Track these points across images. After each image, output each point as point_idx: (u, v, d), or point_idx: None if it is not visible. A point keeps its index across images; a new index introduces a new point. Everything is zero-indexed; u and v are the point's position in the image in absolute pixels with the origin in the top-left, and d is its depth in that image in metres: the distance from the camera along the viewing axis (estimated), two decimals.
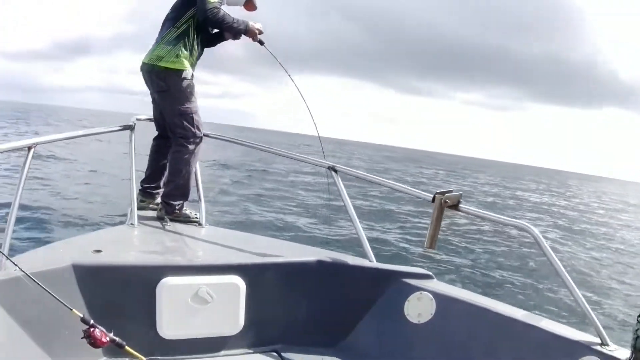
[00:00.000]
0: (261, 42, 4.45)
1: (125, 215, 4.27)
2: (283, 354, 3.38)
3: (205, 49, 4.56)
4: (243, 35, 4.44)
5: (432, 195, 3.16)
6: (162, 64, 4.18)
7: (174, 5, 4.33)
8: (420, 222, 16.55)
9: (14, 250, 3.16)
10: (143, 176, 4.63)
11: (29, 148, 3.23)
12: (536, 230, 2.99)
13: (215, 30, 4.56)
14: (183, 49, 4.21)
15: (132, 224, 4.03)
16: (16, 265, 2.59)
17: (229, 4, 4.36)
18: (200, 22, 4.26)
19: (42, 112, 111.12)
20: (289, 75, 4.53)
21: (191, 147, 4.29)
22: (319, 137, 4.53)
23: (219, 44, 4.67)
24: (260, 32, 4.42)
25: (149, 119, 4.55)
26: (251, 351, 3.39)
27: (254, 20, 4.42)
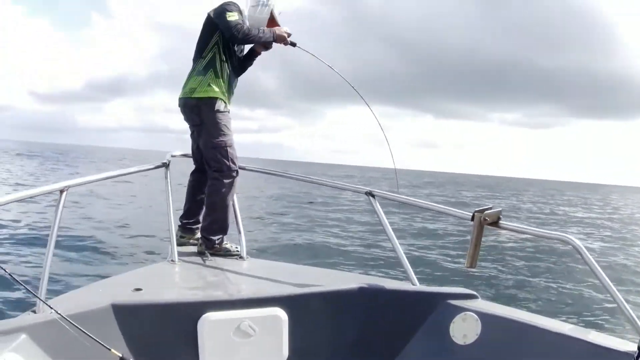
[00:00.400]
0: (293, 44, 4.47)
1: (165, 251, 4.31)
2: None
3: (242, 75, 4.61)
4: (274, 44, 4.46)
5: (471, 214, 3.13)
6: (195, 95, 4.25)
7: (198, 37, 4.42)
8: (462, 242, 16.32)
9: (54, 291, 3.20)
10: (181, 212, 4.66)
11: (62, 191, 3.29)
12: (577, 242, 2.94)
13: (246, 49, 4.62)
14: (214, 77, 4.27)
15: (172, 260, 4.06)
16: (51, 308, 2.62)
17: (251, 27, 4.37)
18: (226, 44, 4.32)
19: (81, 153, 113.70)
20: (336, 72, 4.52)
21: (227, 180, 4.32)
22: (394, 169, 4.48)
23: (255, 60, 4.68)
24: (289, 35, 4.44)
25: (184, 155, 4.61)
26: None
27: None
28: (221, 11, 4.22)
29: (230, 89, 4.43)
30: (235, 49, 4.48)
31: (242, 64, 4.63)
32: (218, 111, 4.27)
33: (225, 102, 4.33)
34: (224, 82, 4.32)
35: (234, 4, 4.31)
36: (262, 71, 4.63)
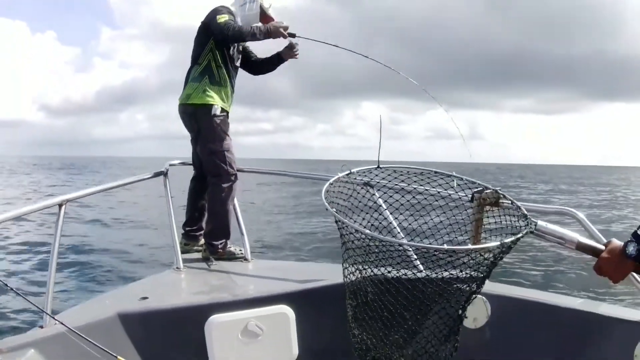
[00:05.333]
0: (292, 35, 4.40)
1: (170, 260, 4.32)
2: None
3: (256, 75, 4.72)
4: (284, 39, 4.41)
5: (470, 195, 3.13)
6: (191, 101, 4.25)
7: (193, 46, 4.40)
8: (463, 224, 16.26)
9: (61, 305, 3.17)
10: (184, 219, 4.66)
11: (60, 205, 3.25)
12: (580, 214, 2.95)
13: (255, 49, 4.62)
14: (209, 83, 4.27)
15: (177, 268, 4.06)
16: (58, 321, 2.63)
17: (243, 25, 4.33)
18: (221, 50, 4.31)
19: (98, 165, 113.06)
20: (335, 45, 4.49)
21: (226, 185, 4.32)
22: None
23: (278, 67, 4.69)
24: (286, 28, 4.34)
25: (183, 163, 4.61)
26: None
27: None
28: (212, 15, 4.23)
29: (227, 94, 4.41)
30: (232, 53, 4.44)
31: (261, 66, 4.68)
32: (215, 116, 4.26)
33: (221, 107, 4.32)
34: (220, 87, 4.32)
35: (224, 6, 4.31)
36: (271, 73, 4.65)
